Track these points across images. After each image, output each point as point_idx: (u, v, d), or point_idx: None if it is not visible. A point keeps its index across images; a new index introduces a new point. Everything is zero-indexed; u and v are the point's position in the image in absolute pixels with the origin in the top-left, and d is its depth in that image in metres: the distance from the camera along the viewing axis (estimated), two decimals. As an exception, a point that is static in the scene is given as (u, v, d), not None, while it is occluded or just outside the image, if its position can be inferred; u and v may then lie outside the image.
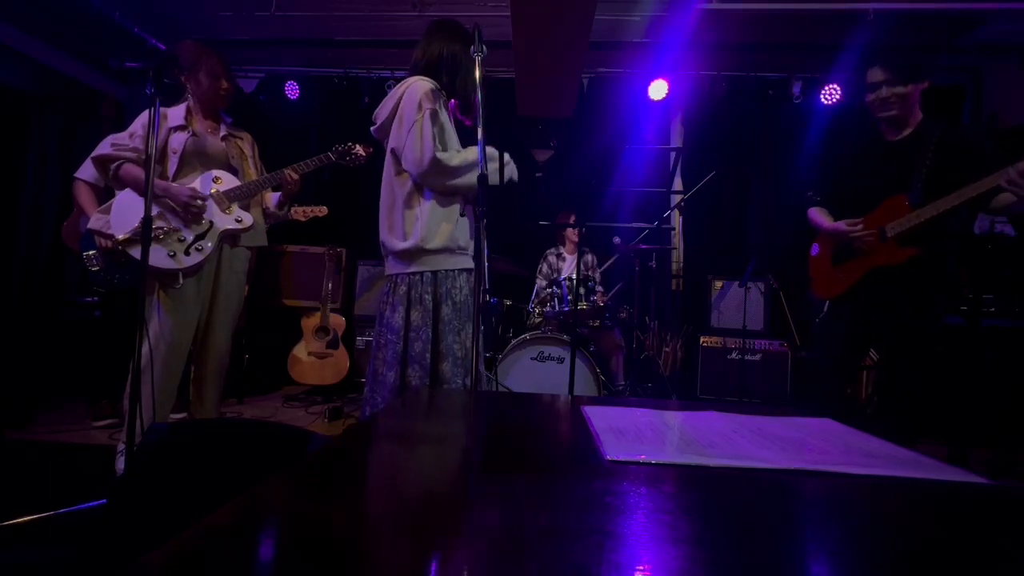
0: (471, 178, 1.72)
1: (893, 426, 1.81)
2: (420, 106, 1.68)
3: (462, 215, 1.80)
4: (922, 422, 2.93)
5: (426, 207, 1.74)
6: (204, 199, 1.98)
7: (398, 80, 4.20)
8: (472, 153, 1.74)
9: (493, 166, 1.81)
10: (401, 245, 1.74)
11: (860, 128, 2.02)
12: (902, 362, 1.86)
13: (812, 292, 2.13)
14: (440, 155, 1.67)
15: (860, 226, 1.88)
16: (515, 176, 1.90)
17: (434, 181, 1.72)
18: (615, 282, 3.71)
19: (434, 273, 1.75)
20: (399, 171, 1.77)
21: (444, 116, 1.78)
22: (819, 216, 2.05)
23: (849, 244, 1.93)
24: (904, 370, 1.85)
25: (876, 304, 1.90)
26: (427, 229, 1.72)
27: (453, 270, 1.76)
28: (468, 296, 1.80)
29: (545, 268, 3.74)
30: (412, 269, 1.74)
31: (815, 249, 2.12)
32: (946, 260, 1.81)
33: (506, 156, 1.85)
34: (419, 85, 1.73)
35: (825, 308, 2.11)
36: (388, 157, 1.81)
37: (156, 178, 1.84)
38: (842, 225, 1.92)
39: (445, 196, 1.76)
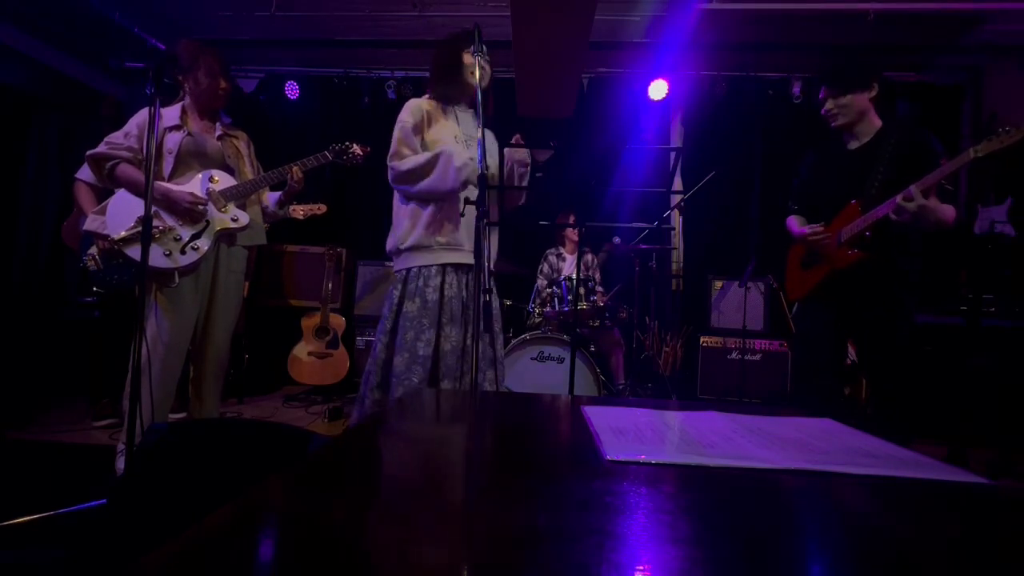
0: (434, 183, 1.75)
1: (886, 426, 1.83)
2: (400, 122, 1.82)
3: (462, 215, 1.80)
4: (920, 422, 2.94)
5: (407, 209, 1.85)
6: (205, 203, 1.98)
7: (398, 80, 4.25)
8: (423, 156, 1.78)
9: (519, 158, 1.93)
10: (388, 247, 1.90)
11: (826, 138, 2.09)
12: (877, 362, 1.91)
13: (786, 296, 2.21)
14: (393, 162, 1.80)
15: (818, 230, 1.95)
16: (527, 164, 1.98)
17: (398, 186, 1.84)
18: (615, 282, 3.71)
19: (407, 270, 1.84)
20: None
21: (415, 122, 1.83)
22: (793, 223, 2.14)
23: (814, 249, 2.01)
24: (881, 370, 1.89)
25: (837, 305, 1.97)
26: (402, 229, 1.84)
27: (430, 267, 1.81)
28: (451, 297, 1.82)
29: (546, 268, 3.73)
30: (395, 267, 1.89)
31: (790, 254, 2.22)
32: (898, 261, 1.86)
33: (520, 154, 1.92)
34: (405, 105, 1.86)
35: (795, 309, 2.20)
36: None
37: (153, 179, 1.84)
38: (805, 230, 2.00)
39: (421, 199, 1.85)
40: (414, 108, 1.84)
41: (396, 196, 1.90)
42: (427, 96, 1.92)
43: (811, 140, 2.26)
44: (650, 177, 4.27)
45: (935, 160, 1.78)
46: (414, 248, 1.81)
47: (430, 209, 1.81)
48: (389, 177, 1.82)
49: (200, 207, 1.96)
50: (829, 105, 1.94)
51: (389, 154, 1.81)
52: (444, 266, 1.81)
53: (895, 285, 1.87)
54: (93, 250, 2.58)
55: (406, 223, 1.83)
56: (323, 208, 2.58)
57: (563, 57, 3.05)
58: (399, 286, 1.84)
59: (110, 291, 2.69)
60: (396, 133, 1.81)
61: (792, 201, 2.20)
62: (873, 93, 1.91)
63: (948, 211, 1.73)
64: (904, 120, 3.97)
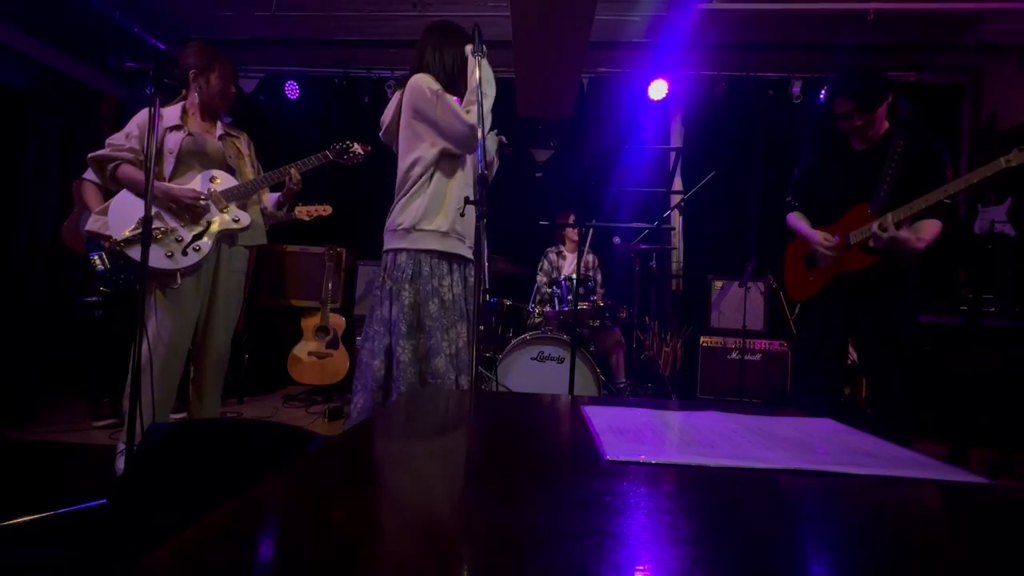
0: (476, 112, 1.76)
1: (886, 426, 1.83)
2: (431, 91, 1.73)
3: (462, 215, 1.80)
4: (919, 422, 2.94)
5: (433, 185, 1.78)
6: (206, 198, 1.98)
7: (398, 80, 4.24)
8: (470, 103, 1.75)
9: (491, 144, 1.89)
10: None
11: (830, 136, 2.09)
12: (878, 363, 1.91)
13: (787, 294, 2.22)
14: (468, 117, 1.70)
15: (830, 238, 1.96)
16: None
17: (475, 141, 1.70)
18: (615, 282, 3.71)
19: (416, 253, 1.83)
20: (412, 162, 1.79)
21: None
22: (798, 221, 2.13)
23: (824, 254, 2.01)
24: (882, 371, 1.90)
25: (843, 307, 1.97)
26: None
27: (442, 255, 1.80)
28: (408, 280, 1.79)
29: (546, 265, 3.73)
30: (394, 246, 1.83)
31: (789, 251, 2.21)
32: (905, 264, 1.88)
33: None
34: (418, 78, 1.76)
35: (797, 310, 2.19)
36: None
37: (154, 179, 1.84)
38: (815, 236, 2.00)
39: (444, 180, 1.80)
40: (430, 79, 1.76)
41: (421, 171, 1.76)
42: (424, 75, 1.81)
43: (811, 140, 2.26)
44: (650, 177, 4.28)
45: (942, 171, 1.79)
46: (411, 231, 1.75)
47: (457, 188, 1.77)
48: (468, 134, 1.69)
49: (202, 202, 1.96)
50: (859, 122, 1.90)
51: (457, 117, 1.69)
52: (452, 256, 1.79)
53: (897, 285, 1.88)
54: (100, 251, 2.60)
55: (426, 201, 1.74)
56: (328, 210, 2.57)
57: (563, 57, 3.05)
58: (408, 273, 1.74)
59: (117, 289, 2.70)
60: (443, 100, 1.71)
61: (792, 197, 2.18)
62: (889, 100, 1.91)
63: (927, 235, 1.76)
64: (912, 124, 3.98)
